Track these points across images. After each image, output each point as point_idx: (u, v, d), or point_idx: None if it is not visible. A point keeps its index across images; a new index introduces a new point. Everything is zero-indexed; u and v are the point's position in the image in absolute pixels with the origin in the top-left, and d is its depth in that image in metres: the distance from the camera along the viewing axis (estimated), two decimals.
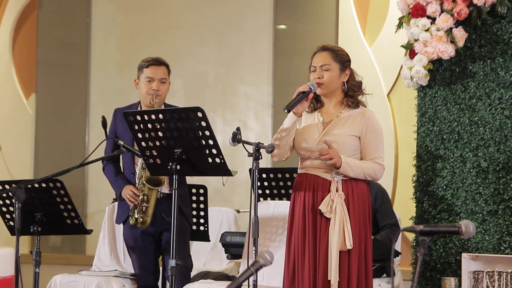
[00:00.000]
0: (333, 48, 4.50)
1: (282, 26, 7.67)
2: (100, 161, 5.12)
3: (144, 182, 5.06)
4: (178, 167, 4.46)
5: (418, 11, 5.88)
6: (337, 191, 4.37)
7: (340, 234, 4.30)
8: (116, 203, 5.91)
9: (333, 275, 4.29)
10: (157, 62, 5.23)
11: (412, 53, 5.94)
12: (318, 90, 4.45)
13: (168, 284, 4.78)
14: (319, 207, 4.36)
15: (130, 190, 5.11)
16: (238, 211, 6.68)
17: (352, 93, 4.49)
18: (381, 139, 4.49)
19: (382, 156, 4.47)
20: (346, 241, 4.31)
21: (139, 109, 5.21)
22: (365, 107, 4.56)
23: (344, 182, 4.41)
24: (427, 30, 5.88)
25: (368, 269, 4.43)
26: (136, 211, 5.11)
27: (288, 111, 4.34)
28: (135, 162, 5.18)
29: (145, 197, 5.08)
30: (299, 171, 4.57)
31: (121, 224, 5.31)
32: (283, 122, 4.50)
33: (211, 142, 4.41)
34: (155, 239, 5.22)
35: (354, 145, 4.44)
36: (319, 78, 4.43)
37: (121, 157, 5.29)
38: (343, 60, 4.48)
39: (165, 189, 5.13)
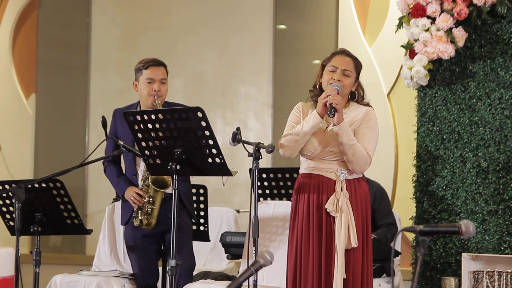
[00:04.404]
0: (354, 57, 4.59)
1: (282, 26, 7.67)
2: (100, 161, 5.11)
3: (149, 183, 5.05)
4: (178, 167, 4.45)
5: (418, 11, 5.88)
6: (341, 190, 4.41)
7: (346, 233, 4.36)
8: (116, 203, 5.90)
9: (339, 273, 4.33)
10: (156, 62, 5.20)
11: (412, 53, 5.94)
12: None
13: (168, 284, 4.77)
14: (325, 206, 4.40)
15: (134, 192, 5.08)
16: (238, 211, 6.68)
17: (361, 98, 4.61)
18: (375, 137, 4.52)
19: (372, 152, 4.48)
20: (351, 240, 4.37)
21: (138, 109, 5.20)
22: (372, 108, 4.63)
23: (348, 181, 4.45)
24: (427, 30, 5.88)
25: (369, 267, 4.47)
26: (140, 212, 5.08)
27: (333, 115, 4.33)
28: (137, 163, 5.17)
29: (151, 199, 5.06)
30: (302, 171, 4.58)
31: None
32: (302, 124, 4.44)
33: (211, 142, 4.41)
34: (157, 239, 5.21)
35: None
36: (339, 80, 4.46)
37: (122, 158, 5.28)
38: (359, 71, 4.58)
39: (169, 189, 5.10)
